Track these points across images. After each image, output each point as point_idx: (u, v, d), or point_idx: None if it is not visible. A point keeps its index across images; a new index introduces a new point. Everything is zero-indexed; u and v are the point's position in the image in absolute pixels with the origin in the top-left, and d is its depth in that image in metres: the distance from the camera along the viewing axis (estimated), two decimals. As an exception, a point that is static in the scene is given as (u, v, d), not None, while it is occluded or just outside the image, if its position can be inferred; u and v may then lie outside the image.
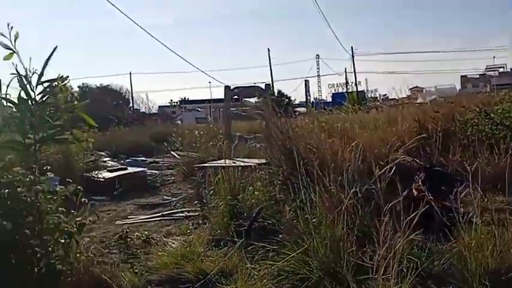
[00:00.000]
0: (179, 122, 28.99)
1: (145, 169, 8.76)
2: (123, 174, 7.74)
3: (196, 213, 5.17)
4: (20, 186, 2.76)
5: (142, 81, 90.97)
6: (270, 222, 3.62)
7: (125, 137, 14.22)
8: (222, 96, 7.60)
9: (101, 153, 10.77)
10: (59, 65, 3.40)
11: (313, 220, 3.03)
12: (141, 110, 38.63)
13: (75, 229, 2.97)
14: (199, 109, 41.59)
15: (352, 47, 39.71)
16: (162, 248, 4.04)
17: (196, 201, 5.48)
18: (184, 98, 48.98)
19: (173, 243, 4.16)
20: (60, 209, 3.04)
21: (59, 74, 3.37)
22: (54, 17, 73.13)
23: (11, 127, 3.13)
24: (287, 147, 4.25)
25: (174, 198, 6.48)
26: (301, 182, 3.29)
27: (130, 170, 8.19)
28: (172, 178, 8.51)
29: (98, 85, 33.64)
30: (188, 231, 4.57)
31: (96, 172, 7.76)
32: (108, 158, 10.50)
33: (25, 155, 3.25)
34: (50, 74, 3.32)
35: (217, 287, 3.04)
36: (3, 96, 3.26)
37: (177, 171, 8.43)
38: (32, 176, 2.97)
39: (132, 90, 40.57)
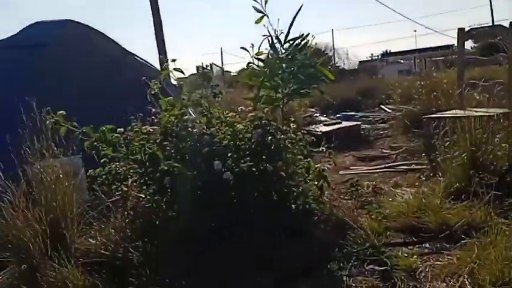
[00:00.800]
0: (380, 76, 27.95)
1: (359, 123, 8.89)
2: (339, 128, 8.04)
3: (423, 166, 5.00)
4: (278, 133, 3.15)
5: (343, 37, 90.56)
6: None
7: (332, 93, 14.62)
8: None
9: (311, 109, 11.44)
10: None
11: None
12: (341, 67, 38.81)
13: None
14: (401, 61, 39.13)
15: None
16: (393, 198, 4.09)
17: (423, 154, 5.28)
18: (386, 51, 46.63)
19: (403, 194, 4.16)
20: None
21: (301, 32, 3.67)
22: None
23: (265, 84, 3.61)
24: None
25: (393, 152, 6.42)
26: None
27: (345, 124, 8.45)
28: (386, 132, 8.41)
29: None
30: (417, 183, 4.48)
31: (314, 126, 8.30)
32: (319, 114, 11.07)
33: (274, 108, 3.74)
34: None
35: (463, 239, 2.92)
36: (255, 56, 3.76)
37: (392, 124, 8.26)
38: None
39: (334, 47, 41.10)
